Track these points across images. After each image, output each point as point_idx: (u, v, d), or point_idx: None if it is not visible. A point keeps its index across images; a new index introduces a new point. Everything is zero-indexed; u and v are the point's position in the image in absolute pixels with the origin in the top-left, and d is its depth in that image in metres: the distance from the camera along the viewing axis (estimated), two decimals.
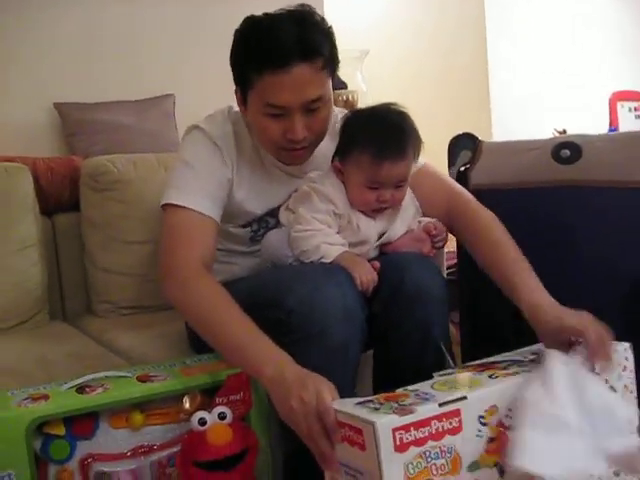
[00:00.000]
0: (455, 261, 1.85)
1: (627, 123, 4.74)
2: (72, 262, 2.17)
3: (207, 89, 2.72)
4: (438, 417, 1.00)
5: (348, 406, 1.03)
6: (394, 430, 0.96)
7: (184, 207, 1.40)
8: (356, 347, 1.32)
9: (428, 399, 1.02)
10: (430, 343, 1.39)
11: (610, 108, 4.80)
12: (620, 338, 1.37)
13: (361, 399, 1.06)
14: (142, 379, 1.27)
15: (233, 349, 1.24)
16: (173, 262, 1.36)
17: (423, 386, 1.10)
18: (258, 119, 1.41)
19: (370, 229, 1.46)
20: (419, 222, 1.55)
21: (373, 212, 1.45)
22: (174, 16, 2.81)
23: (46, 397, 1.20)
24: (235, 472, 1.19)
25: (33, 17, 2.54)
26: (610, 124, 4.75)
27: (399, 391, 1.09)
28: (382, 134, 1.39)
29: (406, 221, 1.52)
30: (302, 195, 1.47)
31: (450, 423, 1.01)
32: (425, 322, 1.38)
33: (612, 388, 1.16)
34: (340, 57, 2.25)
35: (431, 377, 1.39)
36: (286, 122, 1.38)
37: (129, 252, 2.08)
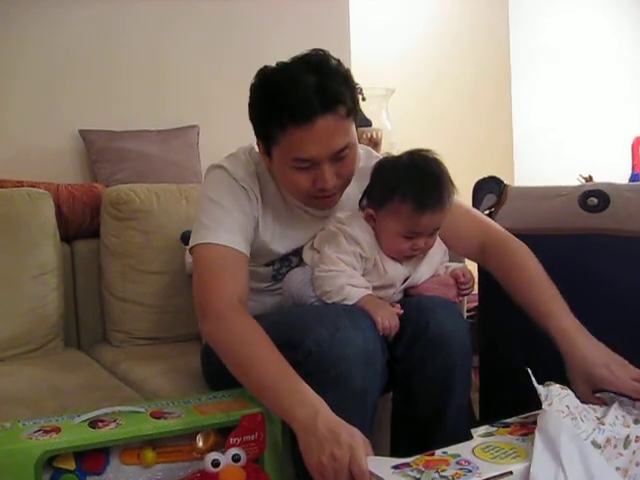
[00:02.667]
0: (476, 304, 1.83)
1: None
2: (89, 290, 2.17)
3: (231, 121, 2.72)
4: None
5: (384, 471, 0.99)
6: None
7: (215, 244, 1.39)
8: (375, 392, 1.29)
9: (471, 471, 0.98)
10: (452, 389, 1.37)
11: (633, 153, 4.79)
12: None
13: (397, 461, 1.02)
14: (156, 415, 1.25)
15: (265, 388, 1.21)
16: (208, 299, 1.35)
17: (464, 450, 1.05)
18: (285, 172, 1.39)
19: (397, 272, 1.45)
20: (447, 267, 1.54)
21: (405, 258, 1.44)
22: (200, 47, 2.83)
23: (58, 430, 1.18)
24: None
25: (60, 44, 2.56)
26: (633, 169, 4.73)
27: (438, 454, 1.04)
28: (423, 185, 1.38)
29: (433, 265, 1.51)
30: (329, 235, 1.45)
31: None
32: (448, 368, 1.36)
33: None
34: (366, 94, 2.25)
35: (451, 423, 1.38)
36: (315, 173, 1.36)
37: (147, 282, 2.07)
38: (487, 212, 1.68)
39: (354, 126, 1.40)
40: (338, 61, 1.37)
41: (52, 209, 2.04)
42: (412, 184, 1.38)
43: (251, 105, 1.40)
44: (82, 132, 2.52)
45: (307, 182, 1.38)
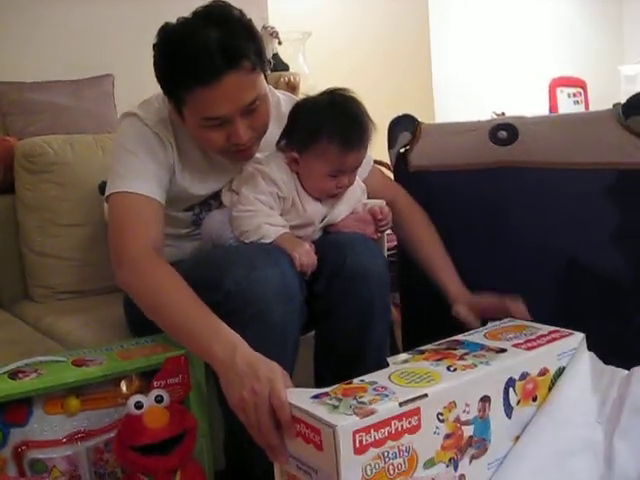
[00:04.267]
0: (396, 243, 1.86)
1: (566, 108, 4.85)
2: (7, 246, 2.11)
3: (147, 69, 2.66)
4: (398, 417, 0.98)
5: (304, 401, 1.00)
6: (354, 433, 0.93)
7: (130, 192, 1.37)
8: (295, 328, 1.31)
9: (388, 395, 1.00)
10: (371, 324, 1.40)
11: (550, 93, 4.90)
12: (555, 318, 1.41)
13: (317, 391, 1.04)
14: (77, 363, 1.25)
15: (182, 329, 1.21)
16: (122, 246, 1.33)
17: (380, 377, 1.07)
18: (198, 131, 1.38)
19: (316, 211, 1.46)
20: (364, 204, 1.56)
21: (328, 197, 1.46)
22: None
23: None
24: (173, 456, 1.18)
25: None
26: (550, 109, 4.84)
27: (356, 382, 1.06)
28: (348, 124, 1.39)
29: (351, 202, 1.53)
30: (246, 176, 1.45)
31: (409, 422, 0.99)
32: (366, 303, 1.39)
33: None
34: (282, 38, 2.21)
35: (371, 359, 1.41)
36: (228, 128, 1.35)
37: (66, 235, 2.03)
38: (402, 150, 1.70)
39: (262, 77, 1.38)
40: (240, 11, 1.35)
41: None
42: (337, 124, 1.38)
43: (155, 66, 1.37)
44: None
45: (221, 138, 1.37)
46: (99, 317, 1.78)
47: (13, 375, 1.20)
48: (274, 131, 1.48)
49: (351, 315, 1.39)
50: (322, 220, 1.49)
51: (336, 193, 1.45)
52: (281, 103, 1.56)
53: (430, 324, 1.64)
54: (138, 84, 2.53)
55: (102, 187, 1.96)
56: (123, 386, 1.24)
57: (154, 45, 1.36)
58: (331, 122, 1.39)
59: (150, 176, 1.40)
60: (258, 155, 1.49)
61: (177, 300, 1.23)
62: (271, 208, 1.41)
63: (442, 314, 1.66)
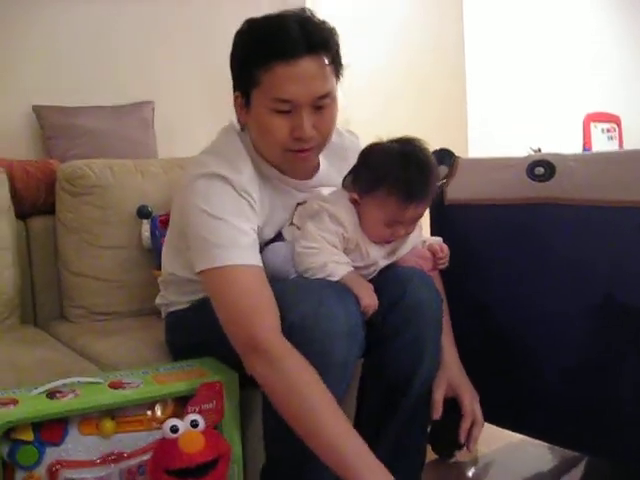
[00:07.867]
0: None
1: (600, 144, 4.82)
2: (45, 266, 2.14)
3: (187, 97, 2.72)
4: None
5: None
6: None
7: (236, 265, 1.30)
8: (354, 363, 1.32)
9: None
10: (423, 357, 1.40)
11: (584, 129, 4.88)
12: (589, 353, 1.40)
13: None
14: (114, 386, 1.27)
15: (330, 448, 1.19)
16: (253, 333, 1.24)
17: None
18: (264, 118, 1.35)
19: (379, 254, 1.45)
20: (424, 242, 1.55)
21: (385, 243, 1.44)
22: (156, 22, 2.80)
23: (15, 402, 1.19)
24: None
25: (13, 20, 2.52)
26: (584, 144, 4.82)
27: None
28: (411, 178, 1.36)
29: (412, 241, 1.51)
30: (312, 212, 1.42)
31: None
32: (420, 337, 1.39)
33: None
34: None
35: (418, 390, 1.42)
36: (294, 119, 1.34)
37: (104, 257, 2.06)
38: (439, 184, 1.71)
39: (335, 82, 1.38)
40: (324, 19, 1.38)
41: (6, 185, 2.01)
42: (401, 176, 1.36)
43: (234, 49, 1.39)
44: (36, 108, 2.49)
45: (285, 129, 1.34)
46: (133, 339, 1.79)
47: (51, 395, 1.22)
48: (333, 166, 1.49)
49: (404, 347, 1.40)
50: (385, 258, 1.47)
51: (391, 240, 1.44)
52: (340, 134, 1.56)
53: (477, 362, 1.62)
54: (178, 112, 2.60)
55: (140, 211, 2.02)
56: (158, 410, 1.26)
57: (236, 33, 1.38)
58: (395, 173, 1.36)
59: (249, 242, 1.34)
60: (323, 191, 1.48)
61: (324, 416, 1.20)
62: (335, 247, 1.39)
63: (485, 353, 1.66)
